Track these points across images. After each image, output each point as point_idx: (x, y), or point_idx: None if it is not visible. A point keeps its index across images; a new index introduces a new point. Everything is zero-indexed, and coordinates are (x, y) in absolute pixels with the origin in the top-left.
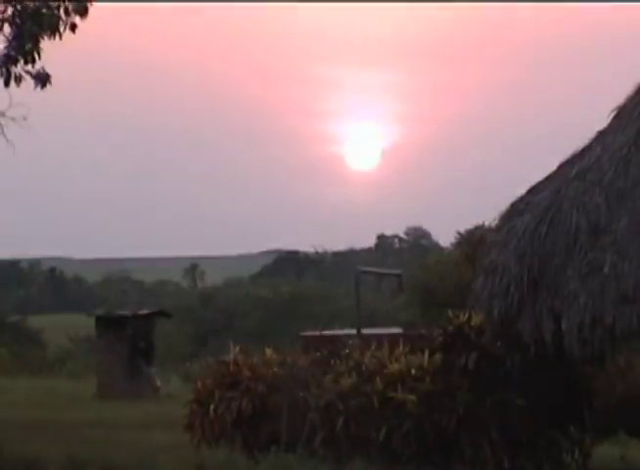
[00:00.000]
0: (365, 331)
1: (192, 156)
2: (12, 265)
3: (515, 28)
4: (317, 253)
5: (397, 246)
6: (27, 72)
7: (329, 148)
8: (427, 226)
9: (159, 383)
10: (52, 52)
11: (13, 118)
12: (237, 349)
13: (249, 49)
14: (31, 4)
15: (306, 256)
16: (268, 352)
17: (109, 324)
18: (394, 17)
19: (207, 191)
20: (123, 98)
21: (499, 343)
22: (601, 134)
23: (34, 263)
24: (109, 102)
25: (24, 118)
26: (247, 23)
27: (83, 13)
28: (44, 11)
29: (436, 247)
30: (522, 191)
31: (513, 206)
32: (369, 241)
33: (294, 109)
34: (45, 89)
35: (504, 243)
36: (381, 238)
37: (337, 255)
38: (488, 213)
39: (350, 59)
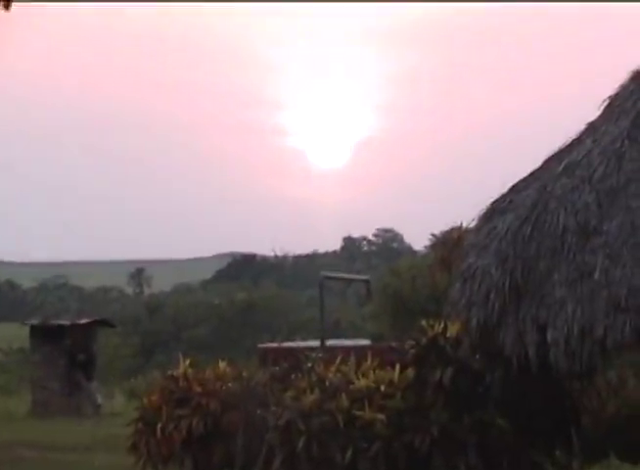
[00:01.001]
0: (329, 343)
1: (136, 149)
2: None
3: (496, 14)
4: (277, 256)
5: (366, 249)
6: None
7: (288, 141)
8: (398, 228)
9: (100, 400)
10: None
11: None
12: (187, 362)
13: (183, 29)
14: None
15: (264, 259)
16: (222, 365)
17: (45, 335)
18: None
19: (154, 189)
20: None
21: (478, 356)
22: (591, 126)
23: None
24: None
25: None
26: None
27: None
28: None
29: (409, 250)
30: (503, 188)
31: (494, 205)
32: (334, 244)
33: (245, 97)
34: None
35: (484, 245)
36: (347, 240)
37: (298, 258)
38: (466, 213)
39: (315, 38)
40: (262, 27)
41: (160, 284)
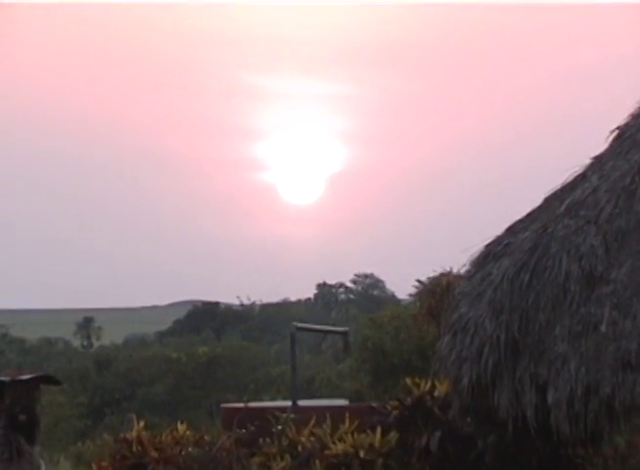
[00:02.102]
0: (302, 403)
1: (81, 186)
2: None
3: (484, 29)
4: (242, 305)
5: (343, 297)
6: None
7: (257, 175)
8: (379, 273)
9: (43, 466)
10: None
11: None
12: (141, 423)
13: (146, 51)
14: None
15: (228, 308)
16: (181, 428)
17: None
18: (337, 16)
19: (103, 229)
20: None
21: (469, 419)
22: (597, 160)
23: None
24: None
25: None
26: (154, 22)
27: None
28: None
29: (391, 298)
30: (499, 230)
31: (488, 248)
32: (307, 291)
33: (210, 127)
34: None
35: (477, 294)
36: (322, 287)
37: (267, 307)
38: (457, 258)
39: (283, 66)
40: (243, 51)
41: (111, 336)
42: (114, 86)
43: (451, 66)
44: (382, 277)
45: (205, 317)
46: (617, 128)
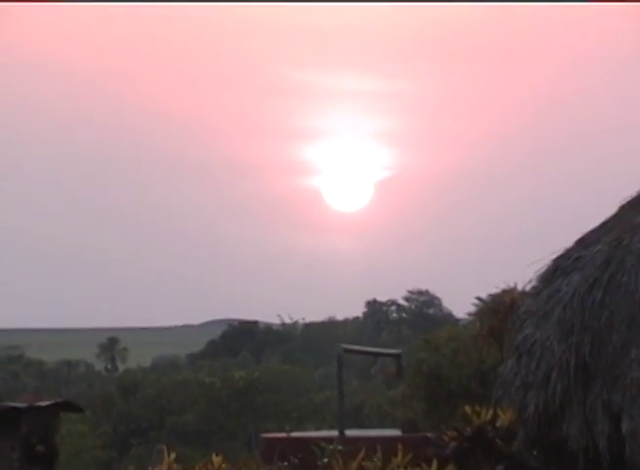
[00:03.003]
0: (350, 433)
1: (106, 197)
2: None
3: (543, 26)
4: (284, 324)
5: (395, 316)
6: None
7: (301, 180)
8: (435, 289)
9: None
10: None
11: None
12: (172, 455)
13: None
14: None
15: (268, 328)
16: (216, 460)
17: None
18: (394, 13)
19: (130, 240)
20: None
21: (535, 451)
22: None
23: None
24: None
25: None
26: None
27: None
28: None
29: (448, 318)
30: (568, 242)
31: (556, 262)
32: (356, 309)
33: (251, 127)
34: None
35: (544, 313)
36: (372, 305)
37: (311, 327)
38: (521, 272)
39: (334, 60)
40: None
41: (138, 358)
42: (160, 83)
43: (510, 62)
44: (438, 294)
45: (242, 338)
46: None
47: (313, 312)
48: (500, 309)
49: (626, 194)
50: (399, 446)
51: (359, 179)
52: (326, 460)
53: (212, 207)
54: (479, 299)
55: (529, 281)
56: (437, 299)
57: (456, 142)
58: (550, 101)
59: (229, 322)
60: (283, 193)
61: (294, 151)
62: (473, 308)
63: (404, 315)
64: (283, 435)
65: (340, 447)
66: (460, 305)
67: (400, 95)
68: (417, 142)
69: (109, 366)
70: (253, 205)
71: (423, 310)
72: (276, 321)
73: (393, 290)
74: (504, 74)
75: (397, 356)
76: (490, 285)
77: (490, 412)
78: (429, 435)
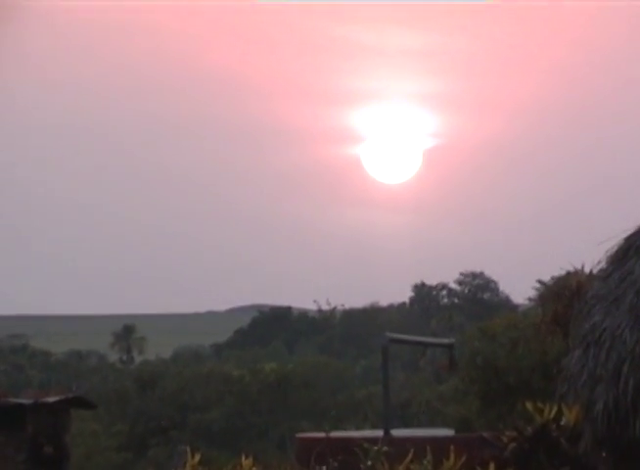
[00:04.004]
0: (396, 433)
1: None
2: None
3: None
4: (320, 310)
5: (445, 301)
6: None
7: (341, 149)
8: (490, 271)
9: None
10: None
11: None
12: (195, 457)
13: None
14: None
15: (303, 314)
16: (245, 463)
17: None
18: None
19: (149, 218)
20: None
21: (604, 453)
22: None
23: None
24: None
25: None
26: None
27: None
28: None
29: (506, 303)
30: None
31: (629, 240)
32: (401, 293)
33: (289, 89)
34: None
35: (614, 298)
36: (419, 289)
37: (351, 313)
38: (589, 252)
39: (377, 13)
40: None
41: (157, 348)
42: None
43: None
44: (494, 277)
45: (273, 326)
46: None
47: (354, 297)
48: (565, 294)
49: None
50: (451, 448)
51: (405, 148)
52: (370, 463)
53: (245, 176)
54: (540, 282)
55: (598, 262)
56: (494, 282)
57: (507, 104)
58: (607, 60)
59: (259, 308)
60: (322, 162)
61: (334, 116)
62: (534, 293)
63: (456, 301)
64: (321, 435)
65: (385, 449)
66: (519, 289)
67: (450, 52)
68: (469, 105)
69: (124, 358)
70: (289, 175)
71: (477, 295)
72: (312, 307)
73: (444, 272)
74: (557, 29)
75: (449, 347)
76: (554, 266)
77: (554, 410)
78: (484, 435)
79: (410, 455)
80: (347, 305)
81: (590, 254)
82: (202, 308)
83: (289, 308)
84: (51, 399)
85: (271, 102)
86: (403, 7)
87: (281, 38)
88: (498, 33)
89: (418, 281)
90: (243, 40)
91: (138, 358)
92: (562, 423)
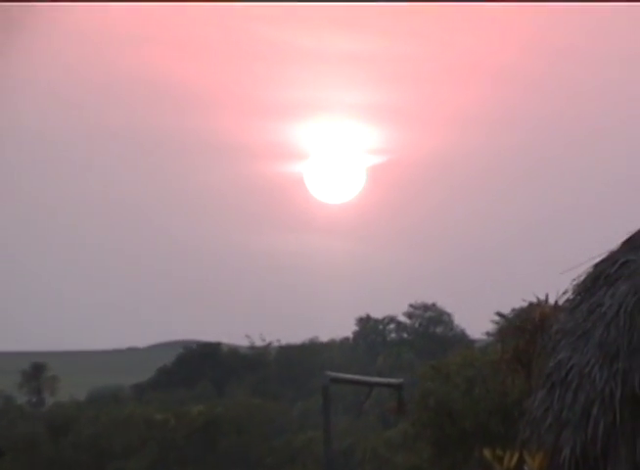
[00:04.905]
0: None
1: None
2: None
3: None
4: (254, 347)
5: (393, 336)
6: None
7: (278, 166)
8: (443, 303)
9: None
10: None
11: None
12: None
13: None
14: None
15: (234, 351)
16: None
17: None
18: None
19: (65, 238)
20: None
21: None
22: None
23: None
24: None
25: None
26: None
27: None
28: None
29: (461, 338)
30: (612, 244)
31: (598, 268)
32: (345, 328)
33: (224, 101)
34: None
35: (582, 332)
36: (364, 323)
37: (288, 350)
38: (554, 281)
39: (316, 16)
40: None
41: (70, 389)
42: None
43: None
44: (447, 309)
45: (200, 364)
46: None
47: (291, 332)
48: (527, 328)
49: None
50: None
51: (348, 164)
52: None
53: (172, 196)
54: (500, 315)
55: (564, 292)
56: (447, 315)
57: (461, 115)
58: (559, 65)
59: (184, 344)
60: (260, 181)
61: (273, 129)
62: (492, 327)
63: (405, 336)
64: None
65: None
66: (476, 322)
67: (395, 58)
68: (416, 118)
69: (34, 399)
70: (221, 195)
71: (429, 329)
72: (244, 343)
73: (392, 304)
74: (510, 33)
75: (398, 387)
76: (514, 297)
77: (515, 457)
78: None
79: None
80: (284, 341)
81: (555, 283)
82: (121, 345)
83: (218, 345)
84: None
85: (206, 113)
86: (345, 9)
87: (215, 42)
88: (446, 38)
89: (363, 314)
90: (174, 44)
91: (49, 400)
92: None
